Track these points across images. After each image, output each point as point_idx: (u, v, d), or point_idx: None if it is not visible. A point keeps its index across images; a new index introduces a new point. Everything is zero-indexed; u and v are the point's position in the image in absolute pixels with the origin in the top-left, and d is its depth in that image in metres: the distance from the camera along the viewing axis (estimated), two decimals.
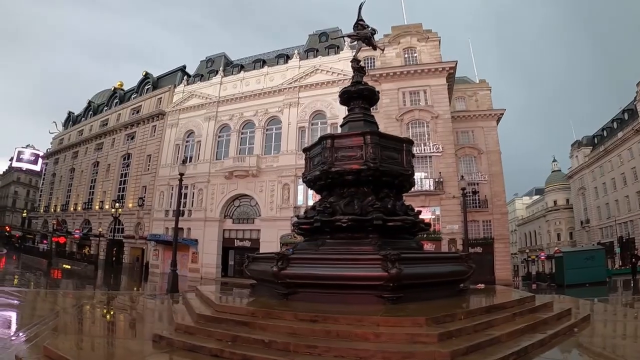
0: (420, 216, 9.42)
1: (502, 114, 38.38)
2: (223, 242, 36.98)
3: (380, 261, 6.53)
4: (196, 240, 36.42)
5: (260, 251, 32.94)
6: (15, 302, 11.95)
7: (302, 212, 31.32)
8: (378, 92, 10.42)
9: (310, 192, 32.41)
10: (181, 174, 19.66)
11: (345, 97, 10.17)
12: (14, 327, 7.93)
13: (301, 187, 33.23)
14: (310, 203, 32.28)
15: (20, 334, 6.57)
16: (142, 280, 29.76)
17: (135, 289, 23.20)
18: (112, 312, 11.28)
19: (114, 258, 44.71)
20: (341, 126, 9.72)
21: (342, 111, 32.47)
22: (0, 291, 13.78)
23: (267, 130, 37.50)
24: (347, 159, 8.53)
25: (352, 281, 6.69)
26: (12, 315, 9.71)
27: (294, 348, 5.00)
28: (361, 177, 8.36)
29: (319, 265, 7.12)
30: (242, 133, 38.82)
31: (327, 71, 35.77)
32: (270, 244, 32.22)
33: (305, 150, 10.05)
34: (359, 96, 9.96)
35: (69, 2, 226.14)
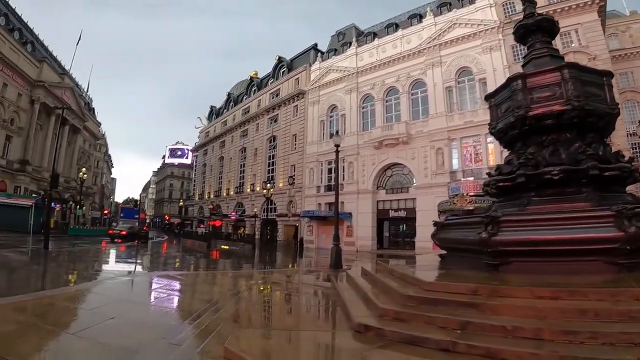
0: None
1: None
2: (377, 213, 37.86)
3: (612, 219, 5.59)
4: (350, 214, 37.76)
5: (417, 220, 33.38)
6: (178, 285, 11.66)
7: (458, 177, 31.12)
8: (557, 22, 9.16)
9: (468, 155, 32.04)
10: (337, 145, 19.40)
11: (522, 33, 9.15)
12: (179, 316, 7.30)
13: (455, 151, 32.84)
14: (465, 167, 31.80)
15: (187, 327, 6.03)
16: (298, 257, 31.05)
17: (290, 265, 23.54)
18: (285, 296, 10.41)
19: (268, 236, 48.86)
20: (523, 66, 8.66)
21: (489, 65, 31.91)
22: (165, 275, 13.84)
23: (412, 95, 37.25)
24: (545, 100, 7.43)
25: (577, 245, 5.69)
26: (176, 302, 9.13)
27: (548, 335, 4.09)
28: (563, 120, 7.28)
29: (534, 228, 6.14)
30: (386, 101, 39.11)
31: (466, 24, 34.24)
32: (426, 213, 31.91)
33: (488, 97, 9.08)
34: (538, 29, 8.82)
35: (201, 14, 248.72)
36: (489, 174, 8.81)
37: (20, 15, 50.74)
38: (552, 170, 6.91)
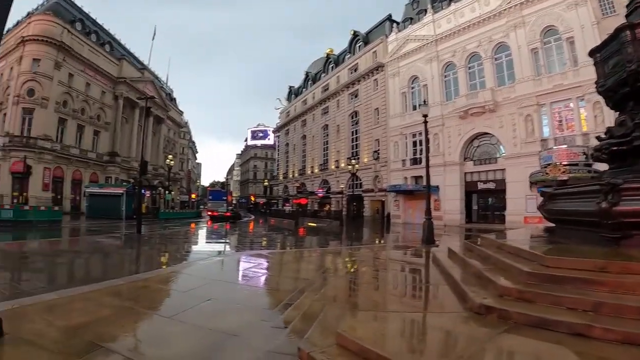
0: None
1: None
2: (465, 186, 37.77)
3: None
4: (437, 187, 37.64)
5: (507, 192, 32.99)
6: (270, 264, 11.69)
7: (550, 145, 30.12)
8: None
9: (559, 121, 30.96)
10: (424, 115, 19.20)
11: None
12: (275, 296, 7.07)
13: (545, 118, 31.84)
14: (556, 134, 30.79)
15: (286, 308, 5.89)
16: (385, 232, 31.31)
17: (379, 241, 23.34)
18: (384, 274, 9.93)
19: (354, 212, 50.36)
20: (627, 16, 7.82)
21: (576, 22, 30.94)
22: (257, 254, 13.83)
23: (495, 59, 36.13)
24: None
25: None
26: (271, 281, 9.04)
27: None
28: None
29: None
30: (469, 68, 38.37)
31: None
32: (517, 184, 31.97)
33: (592, 52, 8.38)
34: None
35: None
36: (598, 138, 7.92)
37: (95, 19, 56.03)
38: None
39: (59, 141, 44.89)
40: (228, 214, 44.76)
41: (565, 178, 27.22)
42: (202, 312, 5.61)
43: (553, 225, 8.66)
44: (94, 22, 55.35)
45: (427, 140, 20.94)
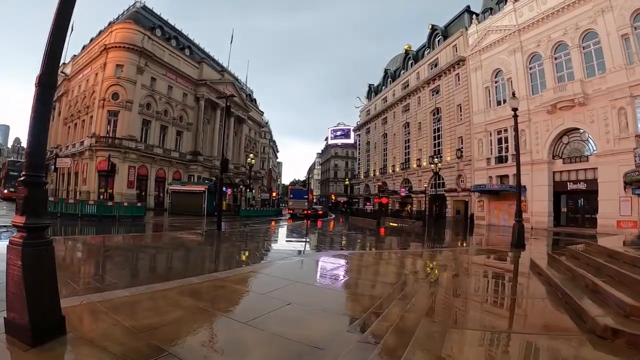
0: None
1: None
2: (553, 186, 36.41)
3: None
4: (524, 187, 36.22)
5: (600, 194, 31.46)
6: (354, 266, 11.41)
7: None
8: None
9: None
10: (514, 109, 18.32)
11: None
12: (361, 303, 6.73)
13: (638, 110, 29.76)
14: None
15: (374, 318, 5.47)
16: (470, 235, 30.65)
17: (465, 244, 23.09)
18: (480, 282, 9.54)
19: (436, 212, 50.43)
20: None
21: None
22: (339, 255, 13.57)
23: (583, 48, 34.33)
24: None
25: None
26: (355, 285, 8.64)
27: None
28: None
29: None
30: (555, 58, 36.78)
31: None
32: (610, 185, 30.29)
33: None
34: None
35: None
36: None
37: (174, 25, 60.66)
38: None
39: (143, 141, 49.44)
40: (309, 211, 46.25)
41: None
42: (282, 318, 5.42)
43: None
44: (173, 28, 60.10)
45: (517, 136, 19.64)
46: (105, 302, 5.54)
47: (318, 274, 9.86)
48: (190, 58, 59.28)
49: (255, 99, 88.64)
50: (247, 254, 14.06)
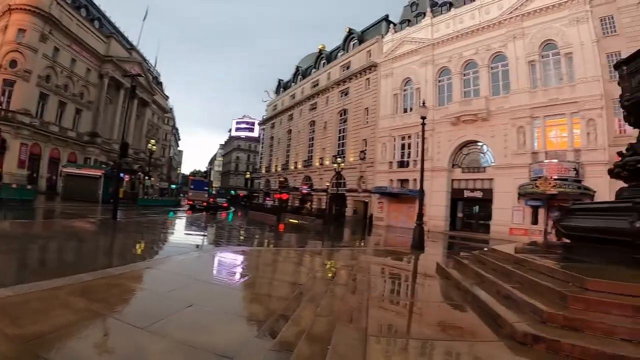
0: None
1: None
2: (451, 193, 37.40)
3: None
4: (423, 192, 37.10)
5: (494, 202, 32.81)
6: (258, 263, 10.94)
7: (540, 158, 29.88)
8: None
9: (551, 135, 30.75)
10: (423, 117, 18.72)
11: None
12: (268, 305, 6.42)
13: (537, 131, 31.63)
14: (548, 148, 30.62)
15: (283, 323, 5.12)
16: (368, 234, 31.06)
17: (363, 243, 23.04)
18: (391, 284, 9.40)
19: (336, 211, 49.30)
20: None
21: (576, 39, 31.02)
22: (241, 251, 12.97)
23: (492, 68, 35.86)
24: None
25: None
26: (260, 284, 8.19)
27: None
28: None
29: None
30: (464, 75, 37.94)
31: None
32: (505, 195, 31.83)
33: (619, 64, 8.08)
34: None
35: None
36: (620, 154, 7.68)
37: None
38: None
39: (39, 117, 42.96)
40: (206, 203, 44.77)
41: (554, 192, 27.43)
42: (184, 322, 4.78)
43: (568, 241, 8.02)
44: None
45: (423, 144, 20.42)
46: None
47: (220, 272, 9.25)
48: (99, 31, 53.00)
49: (161, 83, 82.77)
50: (144, 247, 13.21)
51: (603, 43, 28.73)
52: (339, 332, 4.45)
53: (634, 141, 7.13)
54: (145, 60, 68.70)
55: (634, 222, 5.47)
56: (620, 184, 7.55)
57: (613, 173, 7.56)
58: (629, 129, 7.94)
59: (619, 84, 8.02)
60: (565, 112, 29.80)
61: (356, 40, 55.40)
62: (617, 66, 8.08)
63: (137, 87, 48.92)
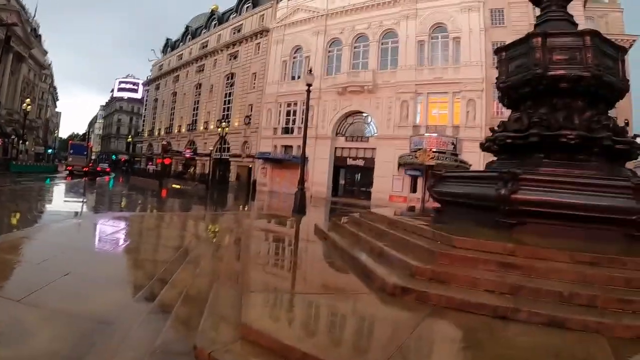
0: None
1: (634, 42, 33.52)
2: (334, 160, 36.81)
3: (631, 191, 5.49)
4: (307, 158, 35.97)
5: (376, 171, 33.00)
6: (139, 229, 10.44)
7: (421, 131, 30.08)
8: None
9: (433, 111, 31.06)
10: (309, 85, 18.10)
11: None
12: (149, 269, 6.03)
13: (420, 106, 32.06)
14: (429, 122, 31.11)
15: (164, 286, 4.85)
16: (252, 199, 30.43)
17: (246, 207, 23.37)
18: (270, 245, 9.29)
19: (220, 176, 46.53)
20: (536, 26, 8.13)
21: (465, 25, 31.02)
22: (121, 217, 12.13)
23: (382, 44, 35.58)
24: (564, 62, 7.05)
25: (594, 212, 5.44)
26: (142, 250, 7.76)
27: (602, 303, 3.76)
28: (579, 86, 6.92)
29: (551, 190, 5.80)
30: (354, 47, 37.14)
31: None
32: (386, 164, 31.96)
33: (499, 50, 8.45)
34: None
35: None
36: (491, 129, 8.16)
37: None
38: (569, 134, 6.66)
39: None
40: (87, 169, 41.73)
41: (432, 164, 27.57)
42: (61, 291, 4.36)
43: (439, 205, 8.34)
44: None
45: (307, 111, 19.07)
46: None
47: (97, 239, 8.46)
48: None
49: (40, 35, 70.44)
50: (18, 216, 11.82)
51: (490, 32, 30.01)
52: (216, 292, 4.40)
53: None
54: (23, 8, 57.79)
55: (499, 189, 5.92)
56: (492, 158, 8.18)
57: (484, 147, 8.13)
58: (506, 111, 8.65)
59: (497, 68, 8.41)
60: (448, 91, 30.60)
61: (250, 4, 51.93)
62: (497, 52, 8.55)
63: (12, 39, 41.60)
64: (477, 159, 25.25)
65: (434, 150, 28.25)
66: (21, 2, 56.52)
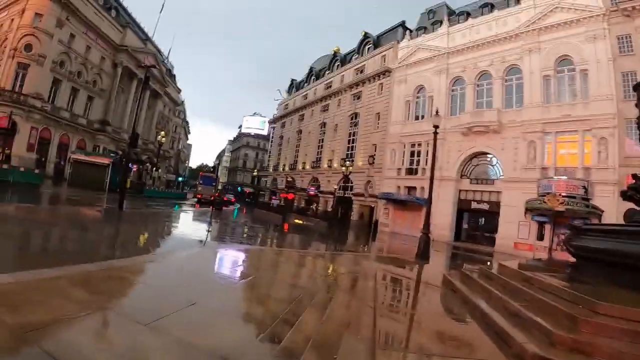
0: None
1: None
2: (458, 203, 37.05)
3: None
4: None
5: (501, 216, 32.38)
6: (263, 262, 10.88)
7: (550, 174, 29.58)
8: None
9: (561, 151, 30.45)
10: (436, 126, 18.44)
11: None
12: (272, 306, 6.24)
13: (548, 146, 31.21)
14: (558, 164, 30.25)
15: (287, 328, 4.98)
16: (373, 239, 30.90)
17: (365, 249, 23.30)
18: (396, 294, 9.46)
19: (341, 214, 49.08)
20: None
21: (592, 56, 30.72)
22: (245, 250, 12.90)
23: (506, 81, 35.56)
24: None
25: None
26: (265, 284, 8.07)
27: None
28: None
29: None
30: (477, 85, 37.65)
31: (569, 8, 31.56)
32: (511, 209, 31.41)
33: (638, 86, 8.10)
34: None
35: None
36: (634, 176, 7.49)
37: None
38: None
39: (51, 102, 42.97)
40: (213, 197, 44.98)
41: (562, 209, 27.04)
42: (186, 321, 4.56)
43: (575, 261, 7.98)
44: None
45: (435, 152, 19.36)
46: None
47: (223, 270, 9.13)
48: (116, 20, 52.95)
49: (174, 75, 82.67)
50: (148, 239, 13.09)
51: (619, 62, 28.41)
52: (347, 343, 4.45)
53: None
54: (159, 51, 68.68)
55: None
56: (629, 205, 7.49)
57: (626, 195, 7.46)
58: None
59: (636, 105, 7.88)
60: (578, 129, 29.43)
61: (371, 45, 55.23)
62: (637, 87, 8.08)
63: (150, 78, 49.22)
64: (610, 204, 24.50)
65: (564, 194, 27.49)
66: (157, 46, 66.73)
